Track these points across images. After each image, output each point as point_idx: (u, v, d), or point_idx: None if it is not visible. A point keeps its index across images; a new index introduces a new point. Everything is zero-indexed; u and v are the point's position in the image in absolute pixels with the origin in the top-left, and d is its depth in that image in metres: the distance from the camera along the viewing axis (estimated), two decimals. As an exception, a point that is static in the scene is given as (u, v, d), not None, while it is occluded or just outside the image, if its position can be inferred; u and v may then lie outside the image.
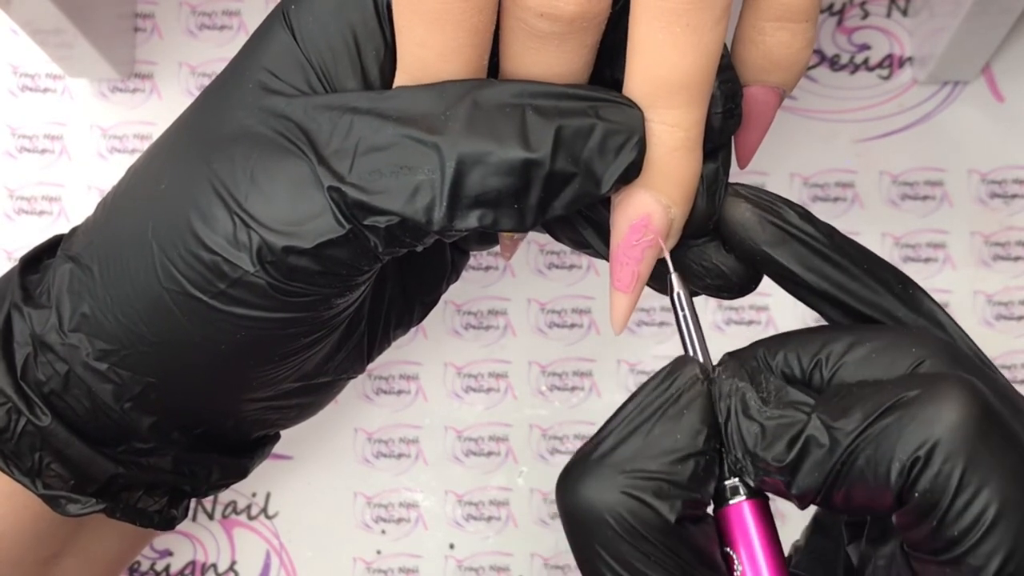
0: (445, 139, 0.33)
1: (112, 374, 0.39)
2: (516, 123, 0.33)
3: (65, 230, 0.42)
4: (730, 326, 0.61)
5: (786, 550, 0.40)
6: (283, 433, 0.47)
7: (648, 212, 0.34)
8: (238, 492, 0.60)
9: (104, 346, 0.38)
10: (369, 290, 0.41)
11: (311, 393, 0.43)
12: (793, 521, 0.57)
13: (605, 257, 0.36)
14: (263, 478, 0.60)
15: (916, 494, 0.30)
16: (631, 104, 0.33)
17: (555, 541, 0.59)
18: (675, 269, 0.36)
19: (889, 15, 0.64)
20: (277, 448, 0.48)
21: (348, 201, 0.33)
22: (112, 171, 0.62)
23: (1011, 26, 0.58)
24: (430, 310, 0.46)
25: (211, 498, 0.60)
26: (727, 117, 0.35)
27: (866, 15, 0.64)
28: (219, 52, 0.64)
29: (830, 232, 0.35)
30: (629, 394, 0.34)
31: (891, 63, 0.64)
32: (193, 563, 0.60)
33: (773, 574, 0.33)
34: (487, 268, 0.62)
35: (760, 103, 0.36)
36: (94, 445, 0.40)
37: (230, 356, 0.37)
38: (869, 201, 0.62)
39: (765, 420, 0.32)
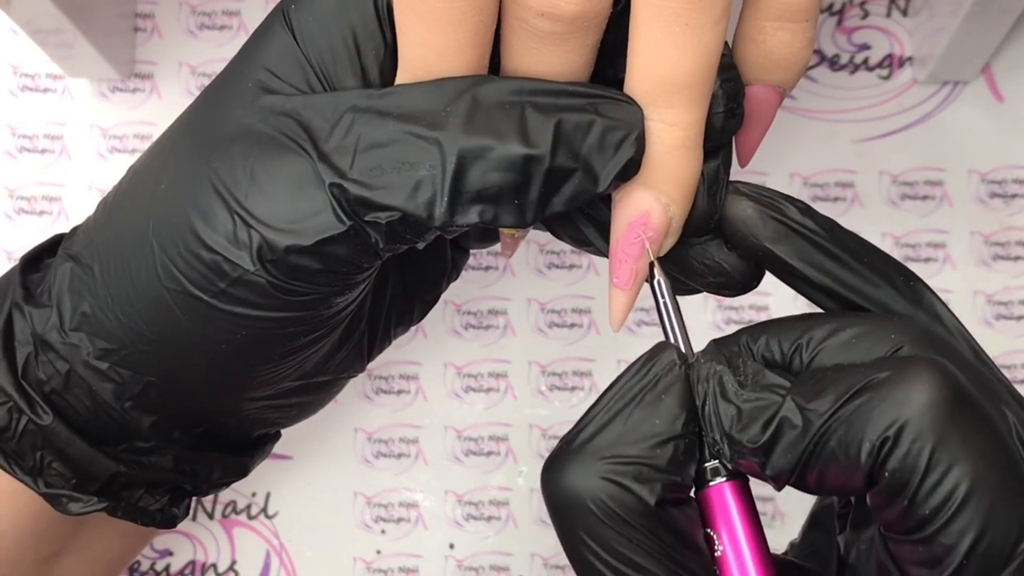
0: (446, 135, 0.33)
1: (113, 373, 0.39)
2: (516, 119, 0.33)
3: (65, 230, 0.42)
4: (730, 326, 0.61)
5: (783, 549, 0.40)
6: (283, 433, 0.48)
7: (647, 210, 0.34)
8: (238, 492, 0.60)
9: (105, 345, 0.38)
10: (369, 289, 0.41)
11: (311, 392, 0.43)
12: (793, 521, 0.57)
13: (606, 255, 0.36)
14: (263, 478, 0.60)
15: (886, 473, 0.30)
16: (630, 101, 0.34)
17: (555, 541, 0.58)
18: (675, 267, 0.36)
19: (889, 15, 0.64)
20: (277, 448, 0.48)
21: (349, 197, 0.34)
22: (112, 171, 0.63)
23: (1011, 26, 0.58)
24: (430, 308, 0.46)
25: (211, 498, 0.60)
26: (729, 116, 0.35)
27: (866, 15, 0.64)
28: (219, 52, 0.64)
29: (831, 226, 0.35)
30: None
31: (891, 63, 0.64)
32: (193, 563, 0.60)
33: (753, 553, 0.33)
34: (487, 268, 0.62)
35: (761, 102, 0.36)
36: (95, 444, 0.40)
37: (230, 355, 0.37)
38: (869, 201, 0.62)
39: (741, 403, 0.32)
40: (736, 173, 0.36)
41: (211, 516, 0.60)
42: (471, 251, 0.48)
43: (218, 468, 0.44)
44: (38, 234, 0.62)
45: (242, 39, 0.42)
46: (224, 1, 0.64)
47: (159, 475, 0.42)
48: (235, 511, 0.60)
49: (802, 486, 0.32)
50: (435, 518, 0.60)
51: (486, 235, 0.44)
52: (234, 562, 0.60)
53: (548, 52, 0.33)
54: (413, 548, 0.60)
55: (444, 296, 0.47)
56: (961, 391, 0.31)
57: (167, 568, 0.60)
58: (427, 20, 0.33)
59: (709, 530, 0.33)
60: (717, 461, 0.33)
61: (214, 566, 0.60)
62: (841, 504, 0.38)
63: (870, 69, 0.64)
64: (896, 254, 0.61)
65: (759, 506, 0.34)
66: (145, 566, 0.60)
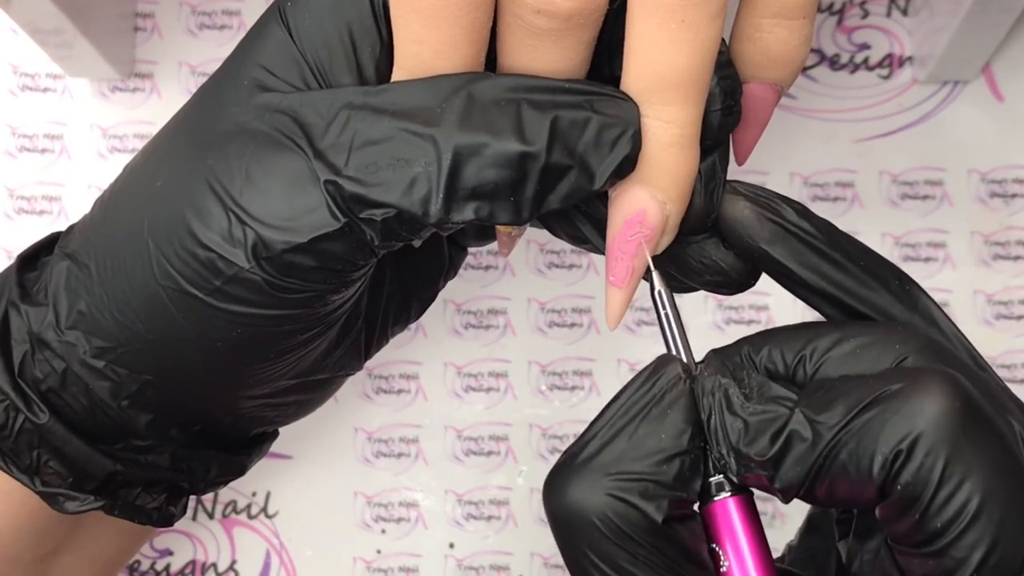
0: (441, 131, 0.33)
1: (109, 371, 0.39)
2: (512, 116, 0.33)
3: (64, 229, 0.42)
4: (730, 325, 0.61)
5: (781, 551, 0.40)
6: (283, 432, 0.47)
7: (643, 208, 0.34)
8: (238, 491, 0.60)
9: (101, 343, 0.38)
10: (366, 286, 0.41)
11: (309, 390, 0.43)
12: (793, 521, 0.57)
13: (604, 252, 0.36)
14: (263, 477, 0.60)
15: (898, 487, 0.30)
16: (626, 98, 0.33)
17: (555, 540, 0.59)
18: (672, 265, 0.36)
19: (889, 14, 0.64)
20: (277, 447, 0.48)
21: (345, 194, 0.33)
22: (112, 171, 0.62)
23: (1011, 26, 0.58)
24: (428, 306, 0.46)
25: (211, 497, 0.60)
26: (726, 114, 0.35)
27: (866, 14, 0.64)
28: (219, 52, 0.64)
29: (828, 229, 0.35)
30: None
31: (891, 63, 0.64)
32: (193, 562, 0.60)
33: (759, 568, 0.33)
34: (487, 267, 0.62)
35: (758, 100, 0.36)
36: (92, 442, 0.40)
37: (226, 353, 0.37)
38: (869, 201, 0.62)
39: (748, 416, 0.32)
40: (736, 172, 0.36)
41: (211, 516, 0.60)
42: (470, 250, 0.48)
43: (215, 466, 0.44)
44: (38, 234, 0.61)
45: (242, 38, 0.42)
46: (224, 1, 0.64)
47: (156, 473, 0.42)
48: (235, 511, 0.60)
49: (811, 499, 0.32)
50: (435, 518, 0.60)
51: (483, 232, 0.44)
52: (234, 562, 0.60)
53: (544, 49, 0.33)
54: (413, 548, 0.60)
55: (444, 296, 0.47)
56: (972, 403, 0.31)
57: (167, 568, 0.60)
58: (423, 16, 0.33)
59: (714, 545, 0.33)
60: (722, 476, 0.33)
61: (214, 566, 0.60)
62: (839, 510, 0.37)
63: (870, 69, 0.64)
64: (896, 254, 0.61)
65: (759, 505, 0.34)
66: (145, 565, 0.60)
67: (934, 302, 0.35)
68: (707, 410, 0.33)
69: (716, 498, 0.33)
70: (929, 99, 0.63)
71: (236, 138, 0.35)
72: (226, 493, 0.60)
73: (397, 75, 0.34)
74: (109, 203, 0.39)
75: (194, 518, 0.60)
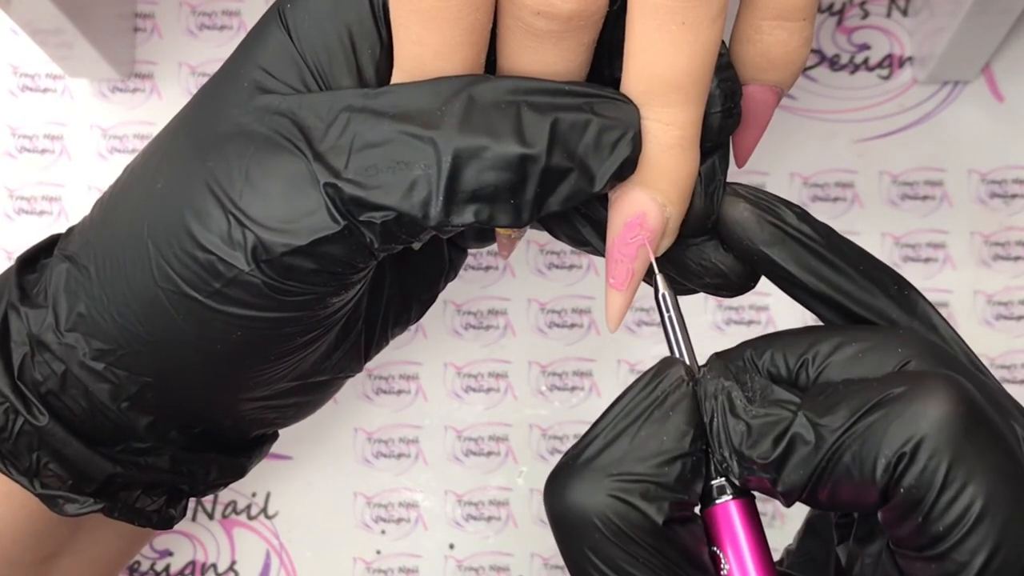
0: (441, 134, 0.33)
1: (109, 374, 0.39)
2: (512, 118, 0.33)
3: (64, 230, 0.42)
4: (730, 326, 0.61)
5: (780, 553, 0.40)
6: (283, 433, 0.47)
7: (643, 210, 0.34)
8: (238, 492, 0.60)
9: (101, 346, 0.38)
10: (366, 288, 0.41)
11: (309, 392, 0.43)
12: (793, 522, 0.57)
13: (604, 255, 0.36)
14: (263, 478, 0.60)
15: (901, 490, 0.30)
16: (627, 100, 0.33)
17: (555, 541, 0.59)
18: (672, 267, 0.36)
19: (889, 15, 0.64)
20: (277, 448, 0.48)
21: (344, 197, 0.33)
22: (112, 171, 0.62)
23: (1011, 26, 0.58)
24: (428, 308, 0.46)
25: (211, 498, 0.60)
26: (726, 116, 0.35)
27: (866, 15, 0.64)
28: (219, 52, 0.64)
29: (827, 232, 0.35)
30: (627, 395, 0.34)
31: (891, 63, 0.64)
32: (193, 563, 0.60)
33: (760, 572, 0.33)
34: (487, 268, 0.62)
35: (758, 102, 0.36)
36: (92, 445, 0.40)
37: (226, 355, 0.37)
38: (869, 201, 0.62)
39: (751, 419, 0.32)
40: (735, 173, 0.36)
41: (211, 516, 0.60)
42: (470, 251, 0.48)
43: (215, 469, 0.44)
44: (38, 234, 0.62)
45: (242, 39, 0.42)
46: (224, 1, 0.64)
47: (156, 476, 0.42)
48: (235, 511, 0.60)
49: (813, 502, 0.32)
50: (435, 518, 0.60)
51: (483, 235, 0.44)
52: (234, 562, 0.60)
53: (544, 51, 0.33)
54: (413, 548, 0.60)
55: (444, 296, 0.47)
56: (975, 407, 0.31)
57: (167, 568, 0.60)
58: (423, 18, 0.33)
59: (715, 548, 0.33)
60: (724, 479, 0.33)
61: (214, 566, 0.60)
62: (839, 514, 0.37)
63: (870, 69, 0.64)
64: (896, 254, 0.61)
65: (758, 506, 0.34)
66: (145, 566, 0.60)
67: (933, 307, 0.35)
68: (710, 413, 0.33)
69: (718, 501, 0.33)
70: (929, 99, 0.63)
71: (236, 140, 0.35)
72: (226, 494, 0.60)
73: (397, 77, 0.34)
74: (109, 205, 0.39)
75: (194, 519, 0.60)
